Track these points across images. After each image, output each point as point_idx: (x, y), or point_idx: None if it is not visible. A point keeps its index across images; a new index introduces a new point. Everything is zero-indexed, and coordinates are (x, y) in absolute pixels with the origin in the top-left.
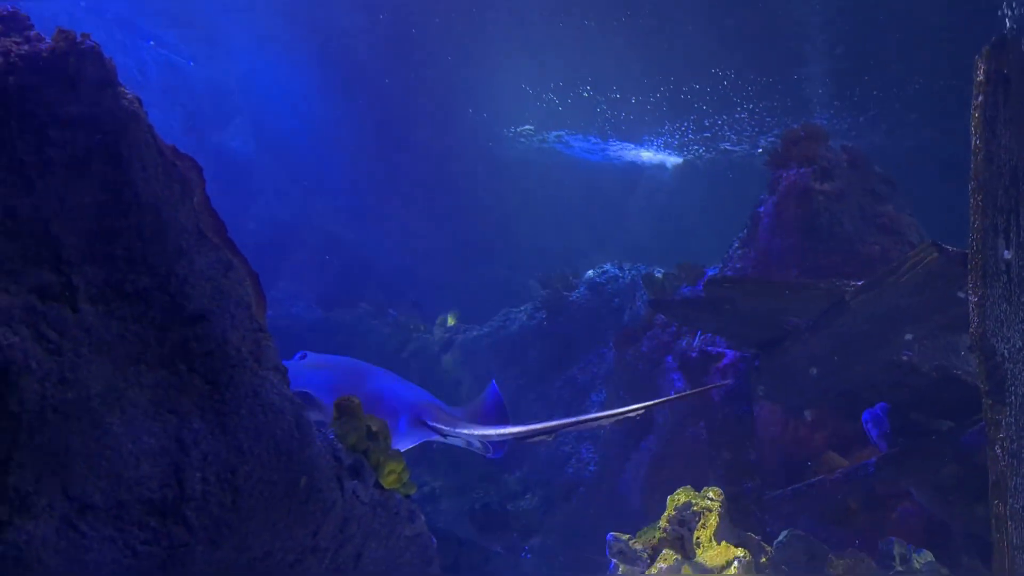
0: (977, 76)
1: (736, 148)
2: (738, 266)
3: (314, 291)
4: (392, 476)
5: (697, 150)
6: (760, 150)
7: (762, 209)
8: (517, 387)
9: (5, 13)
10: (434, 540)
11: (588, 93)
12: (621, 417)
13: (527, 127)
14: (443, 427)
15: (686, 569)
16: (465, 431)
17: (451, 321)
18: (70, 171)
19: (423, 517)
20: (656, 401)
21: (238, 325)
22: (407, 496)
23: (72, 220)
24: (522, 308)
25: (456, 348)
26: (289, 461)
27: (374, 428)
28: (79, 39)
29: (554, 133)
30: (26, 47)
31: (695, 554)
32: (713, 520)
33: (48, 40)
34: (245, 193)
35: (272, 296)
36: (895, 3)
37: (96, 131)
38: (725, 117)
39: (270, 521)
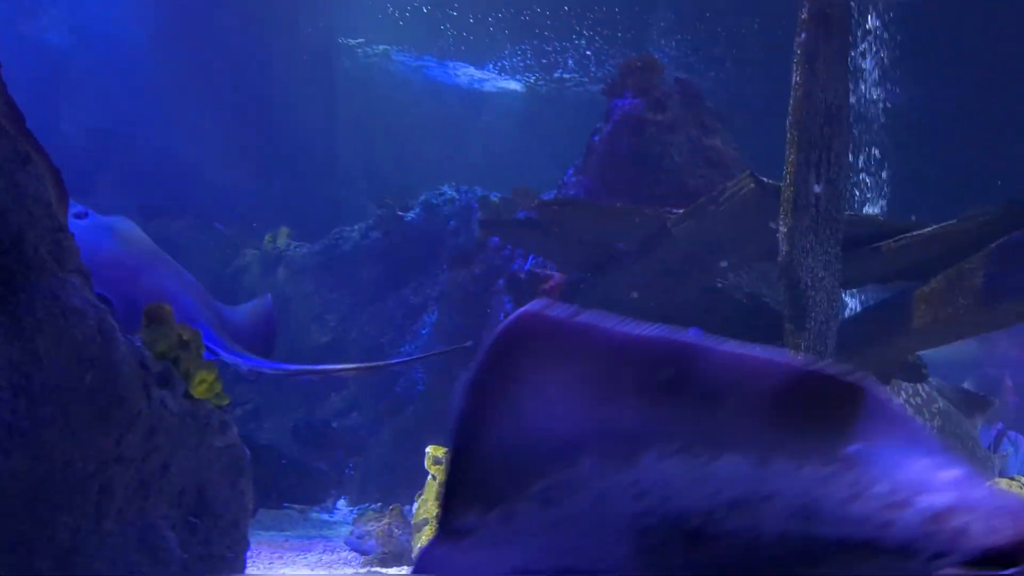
0: (801, 14)
1: (577, 76)
2: (571, 192)
3: (135, 204)
4: (203, 386)
5: (538, 77)
6: (600, 81)
7: (597, 138)
8: (349, 306)
9: None
10: (247, 452)
11: (427, 9)
12: (379, 369)
13: (361, 40)
14: (217, 349)
15: None
16: (234, 357)
17: (281, 238)
18: None
19: (235, 428)
20: (405, 360)
21: (36, 223)
22: (219, 407)
23: None
24: (355, 227)
25: (285, 266)
26: (91, 368)
27: (185, 337)
28: None
29: (394, 49)
30: None
31: None
32: None
33: None
34: (60, 94)
35: (86, 204)
36: None
37: None
38: (566, 44)
39: (70, 429)
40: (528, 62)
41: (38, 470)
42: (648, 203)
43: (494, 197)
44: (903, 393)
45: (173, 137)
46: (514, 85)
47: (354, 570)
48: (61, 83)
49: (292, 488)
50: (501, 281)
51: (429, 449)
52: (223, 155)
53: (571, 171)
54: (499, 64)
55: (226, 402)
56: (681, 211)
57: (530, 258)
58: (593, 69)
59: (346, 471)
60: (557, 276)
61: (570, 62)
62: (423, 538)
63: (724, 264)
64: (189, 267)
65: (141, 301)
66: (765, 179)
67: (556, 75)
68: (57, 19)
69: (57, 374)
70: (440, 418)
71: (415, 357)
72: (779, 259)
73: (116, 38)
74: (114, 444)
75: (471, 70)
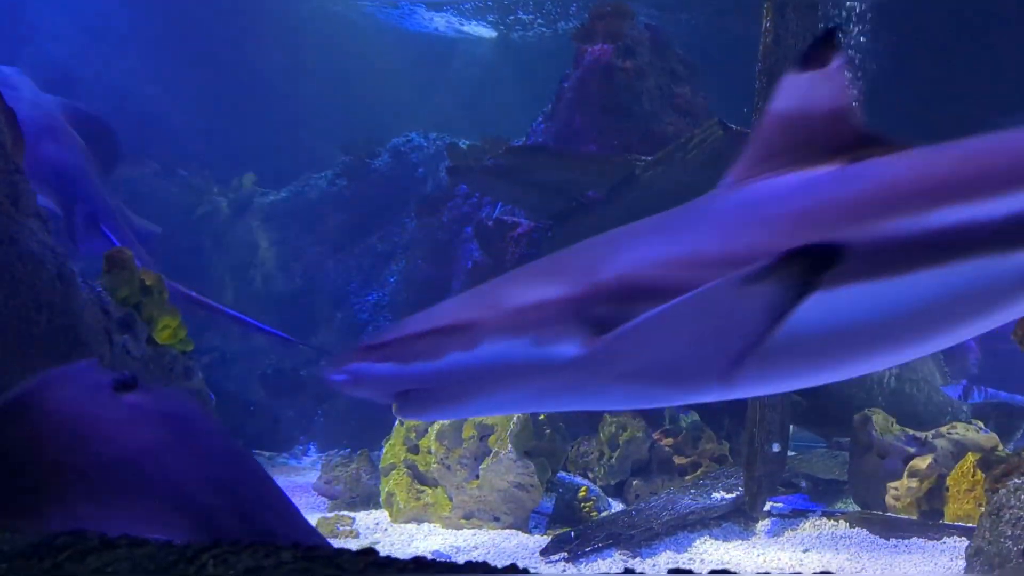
0: None
1: (540, 20)
2: (540, 140)
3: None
4: (167, 331)
5: (507, 20)
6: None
7: (566, 84)
8: (316, 253)
9: None
10: (212, 397)
11: None
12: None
13: None
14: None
15: None
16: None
17: (246, 184)
18: None
19: (200, 374)
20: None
21: None
22: (184, 352)
23: None
24: (322, 174)
25: (252, 212)
26: (51, 313)
27: (148, 282)
28: None
29: None
30: None
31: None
32: None
33: None
34: (13, 35)
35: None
36: None
37: None
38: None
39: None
40: (499, 3)
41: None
42: (617, 150)
43: (463, 144)
44: None
45: (134, 82)
46: (484, 31)
47: (321, 515)
48: (17, 23)
49: (260, 435)
50: (469, 229)
51: None
52: (185, 101)
53: (540, 118)
54: (461, 8)
55: (190, 348)
56: (650, 158)
57: (498, 206)
58: (562, 14)
59: (315, 418)
60: (525, 223)
61: (530, 3)
62: (390, 483)
63: None
64: (153, 214)
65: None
66: (734, 126)
67: (516, 17)
68: None
69: (15, 321)
70: None
71: (279, 335)
72: None
73: None
74: None
75: (438, 15)
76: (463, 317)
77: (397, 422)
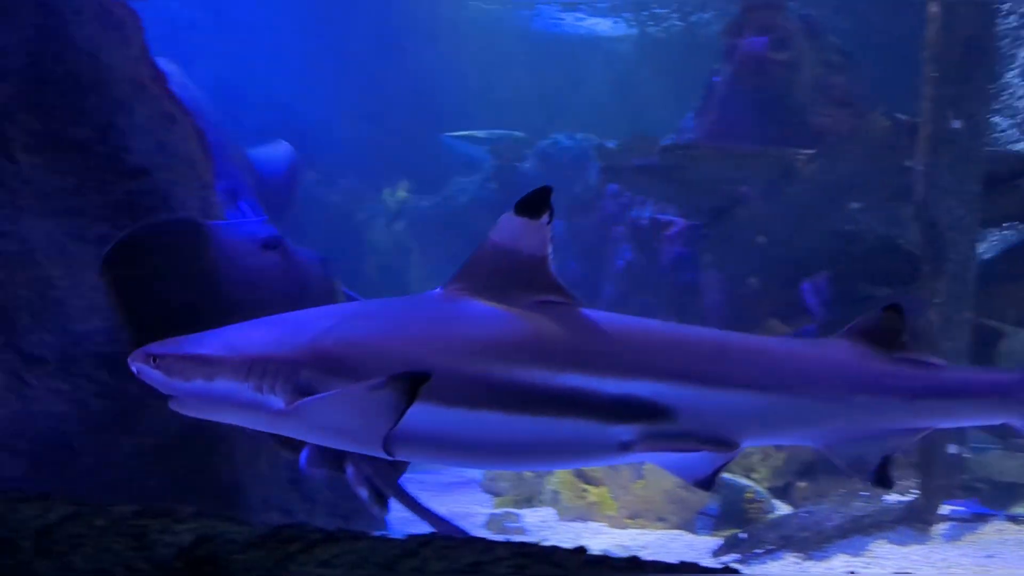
0: None
1: (693, 17)
2: (691, 136)
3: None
4: None
5: (651, 18)
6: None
7: (717, 79)
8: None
9: None
10: None
11: None
12: None
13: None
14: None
15: None
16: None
17: (401, 191)
18: None
19: None
20: None
21: (182, 180)
22: None
23: (3, 67)
24: (472, 179)
25: (406, 218)
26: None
27: None
28: None
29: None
30: None
31: None
32: None
33: None
34: (190, 54)
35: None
36: None
37: None
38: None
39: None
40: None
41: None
42: (772, 144)
43: (610, 144)
44: None
45: (297, 97)
46: (620, 28)
47: (489, 511)
48: (193, 44)
49: None
50: (619, 229)
51: None
52: (342, 113)
53: (690, 115)
54: (595, 7)
55: None
56: (809, 151)
57: (648, 204)
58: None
59: None
60: (680, 222)
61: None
62: (555, 481)
63: (855, 206)
64: (315, 221)
65: None
66: (900, 115)
67: (674, 17)
68: None
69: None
70: None
71: None
72: (915, 199)
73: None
74: None
75: (583, 17)
76: (213, 353)
77: None
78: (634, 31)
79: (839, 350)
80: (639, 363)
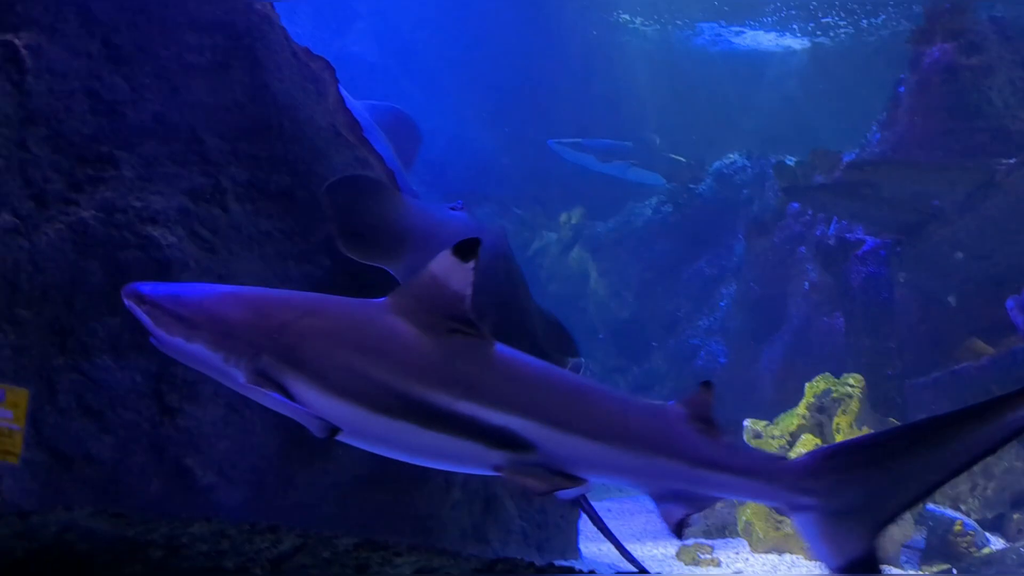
0: None
1: (863, 23)
2: (877, 150)
3: (439, 192)
4: None
5: (819, 28)
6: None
7: (903, 89)
8: (645, 281)
9: None
10: None
11: None
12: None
13: (630, 16)
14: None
15: None
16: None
17: (575, 218)
18: (211, 75)
19: None
20: None
21: None
22: None
23: (215, 123)
24: (647, 202)
25: (581, 244)
26: None
27: None
28: None
29: (674, 21)
30: None
31: (835, 440)
32: (854, 406)
33: None
34: (370, 97)
35: None
36: None
37: (232, 36)
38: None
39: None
40: (817, 13)
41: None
42: (964, 155)
43: (789, 161)
44: None
45: (468, 130)
46: (792, 41)
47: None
48: (373, 88)
49: None
50: (803, 248)
51: (748, 424)
52: (512, 143)
53: (875, 127)
54: (762, 21)
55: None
56: (1010, 161)
57: (833, 222)
58: (891, 16)
59: None
60: (870, 241)
61: (864, 10)
62: (748, 512)
63: None
64: (491, 249)
65: None
66: None
67: (852, 25)
68: (363, 33)
69: None
70: (745, 390)
71: None
72: None
73: (412, 44)
74: None
75: (752, 31)
76: (194, 318)
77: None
78: (806, 42)
79: (666, 414)
80: (517, 401)
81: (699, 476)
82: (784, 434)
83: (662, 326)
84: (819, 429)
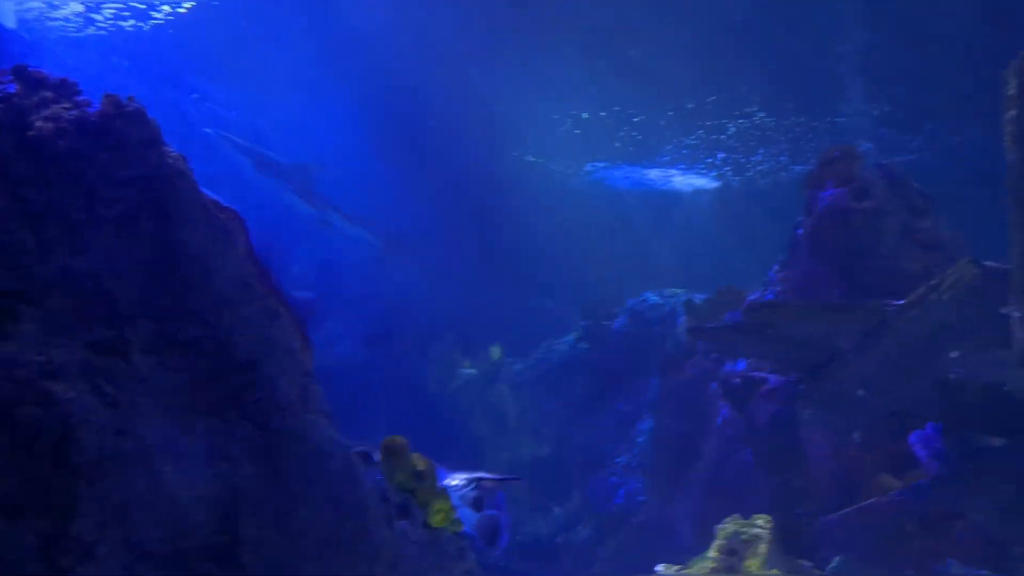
0: (1008, 90)
1: (773, 171)
2: (779, 289)
3: (357, 331)
4: (440, 515)
5: (731, 174)
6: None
7: (800, 231)
8: (565, 417)
9: (56, 81)
10: None
11: (624, 122)
12: None
13: (563, 161)
14: None
15: None
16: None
17: (494, 355)
18: (120, 229)
19: (473, 554)
20: None
21: (285, 371)
22: (455, 533)
23: (124, 275)
24: (564, 339)
25: (501, 382)
26: (340, 503)
27: (420, 468)
28: (125, 102)
29: (588, 164)
30: (75, 112)
31: None
32: (763, 548)
33: (96, 104)
34: (289, 236)
35: (318, 338)
36: (923, 23)
37: (144, 189)
38: (762, 152)
39: (324, 563)
40: (722, 160)
41: None
42: (861, 294)
43: (697, 299)
44: None
45: (389, 266)
46: (711, 183)
47: None
48: (287, 226)
49: None
50: (714, 384)
51: (661, 569)
52: (437, 280)
53: (776, 267)
54: (685, 165)
55: (460, 528)
56: (901, 302)
57: (740, 360)
58: (788, 163)
59: None
60: (773, 379)
61: (766, 161)
62: None
63: (955, 354)
64: (410, 391)
65: None
66: (988, 262)
67: (754, 173)
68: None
69: (311, 511)
70: (664, 530)
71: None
72: (1015, 346)
73: (331, 188)
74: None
75: (664, 172)
76: None
77: None
78: (715, 181)
79: None
80: None
81: None
82: None
83: (582, 464)
84: (731, 572)
